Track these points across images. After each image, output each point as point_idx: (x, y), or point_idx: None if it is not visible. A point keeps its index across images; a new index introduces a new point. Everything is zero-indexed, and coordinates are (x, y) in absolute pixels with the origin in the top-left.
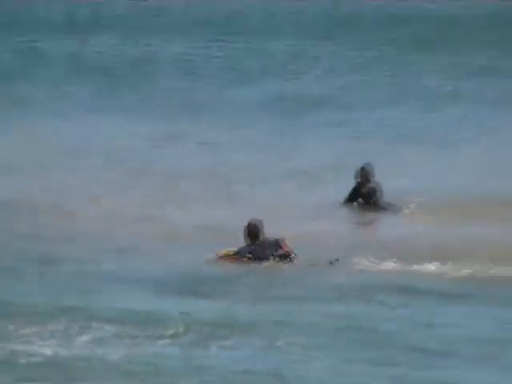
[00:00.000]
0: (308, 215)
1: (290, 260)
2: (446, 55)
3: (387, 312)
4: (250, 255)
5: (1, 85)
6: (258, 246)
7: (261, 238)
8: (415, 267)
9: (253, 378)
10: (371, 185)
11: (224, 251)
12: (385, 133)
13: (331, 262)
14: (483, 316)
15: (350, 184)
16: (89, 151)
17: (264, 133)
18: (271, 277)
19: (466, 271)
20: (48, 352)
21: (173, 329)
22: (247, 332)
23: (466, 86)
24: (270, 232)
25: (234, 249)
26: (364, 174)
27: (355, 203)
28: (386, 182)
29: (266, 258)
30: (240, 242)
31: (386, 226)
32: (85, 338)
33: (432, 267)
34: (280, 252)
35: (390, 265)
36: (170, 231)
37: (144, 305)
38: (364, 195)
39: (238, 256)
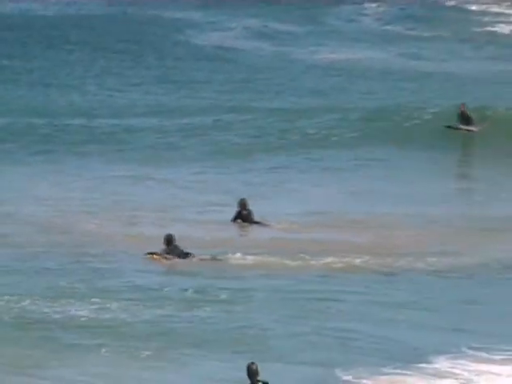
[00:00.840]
0: (213, 228)
1: (191, 256)
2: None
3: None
4: (168, 255)
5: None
6: (171, 249)
7: (173, 244)
8: (281, 260)
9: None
10: (247, 211)
11: (152, 253)
12: (266, 177)
13: (213, 258)
14: (350, 291)
15: (234, 209)
16: (86, 187)
17: (201, 174)
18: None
19: (321, 261)
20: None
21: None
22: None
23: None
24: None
25: (157, 251)
26: (242, 204)
27: (238, 221)
28: (263, 207)
29: (178, 256)
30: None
31: (260, 233)
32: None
33: (294, 260)
34: (185, 251)
35: (264, 258)
36: (135, 240)
37: (147, 280)
38: (243, 217)
39: (161, 256)
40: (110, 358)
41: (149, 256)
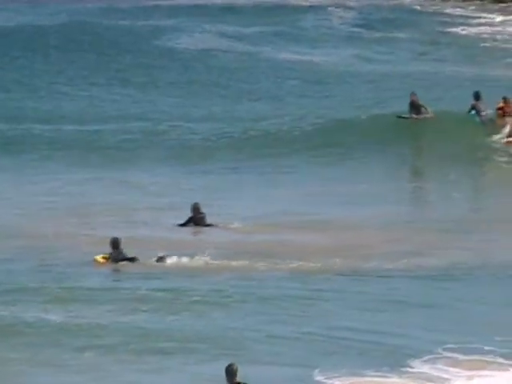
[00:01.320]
0: (177, 230)
1: (136, 260)
2: None
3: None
4: (113, 258)
5: None
6: (117, 253)
7: (120, 248)
8: (250, 262)
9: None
10: (201, 215)
11: (99, 257)
12: (226, 179)
13: (160, 258)
14: (325, 294)
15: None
16: (50, 190)
17: (163, 176)
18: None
19: (289, 264)
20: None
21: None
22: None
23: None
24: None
25: (106, 254)
26: (196, 208)
27: (190, 225)
28: (225, 209)
29: (122, 260)
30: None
31: (223, 235)
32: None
33: (262, 262)
34: (130, 256)
35: (231, 260)
36: (99, 242)
37: (116, 283)
38: (196, 221)
39: (107, 260)
40: (92, 361)
41: (97, 258)
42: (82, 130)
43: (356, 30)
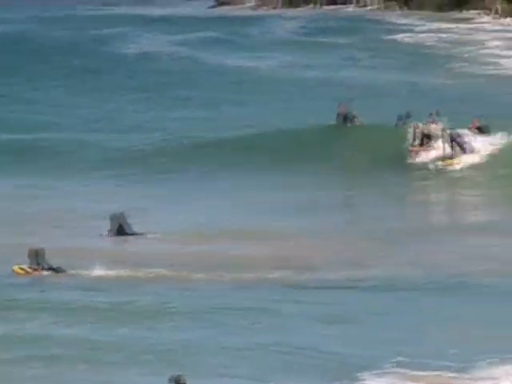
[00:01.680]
0: (102, 240)
1: (60, 271)
2: None
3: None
4: (36, 268)
5: None
6: (39, 262)
7: (42, 258)
8: (191, 273)
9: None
10: (125, 225)
11: (17, 267)
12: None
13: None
14: (273, 305)
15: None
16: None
17: (99, 185)
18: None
19: (232, 275)
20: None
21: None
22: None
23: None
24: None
25: (24, 265)
26: (116, 219)
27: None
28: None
29: (42, 269)
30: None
31: (155, 247)
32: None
33: (203, 273)
34: (54, 266)
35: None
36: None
37: (56, 296)
38: (120, 231)
39: (29, 269)
40: (38, 372)
41: (15, 268)
42: (17, 138)
43: (300, 38)
